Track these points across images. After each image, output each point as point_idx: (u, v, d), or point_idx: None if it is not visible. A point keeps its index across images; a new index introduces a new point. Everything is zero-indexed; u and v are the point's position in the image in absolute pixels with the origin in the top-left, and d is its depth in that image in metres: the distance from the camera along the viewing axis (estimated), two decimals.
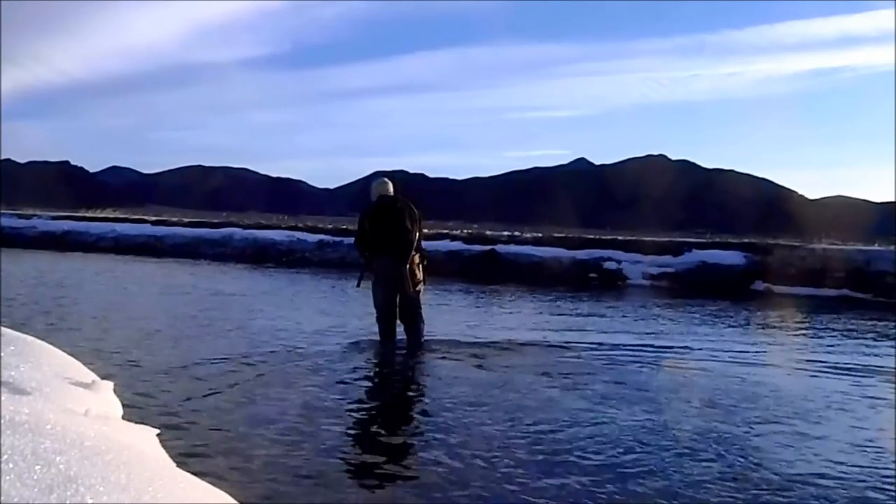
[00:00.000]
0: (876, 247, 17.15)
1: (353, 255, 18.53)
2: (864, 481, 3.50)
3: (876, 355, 7.49)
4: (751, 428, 4.33)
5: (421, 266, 6.72)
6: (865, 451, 3.99)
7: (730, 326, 9.46)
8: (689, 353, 7.05)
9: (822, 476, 3.54)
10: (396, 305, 6.59)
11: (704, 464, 3.64)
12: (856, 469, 3.67)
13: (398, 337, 6.72)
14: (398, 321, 6.68)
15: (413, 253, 6.54)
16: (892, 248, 16.43)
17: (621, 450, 3.82)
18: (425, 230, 6.87)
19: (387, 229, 6.48)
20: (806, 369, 6.45)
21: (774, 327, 9.78)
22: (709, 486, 3.35)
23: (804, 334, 9.17)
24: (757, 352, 7.40)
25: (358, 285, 6.78)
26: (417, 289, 6.67)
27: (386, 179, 6.85)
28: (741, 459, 3.72)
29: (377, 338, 6.73)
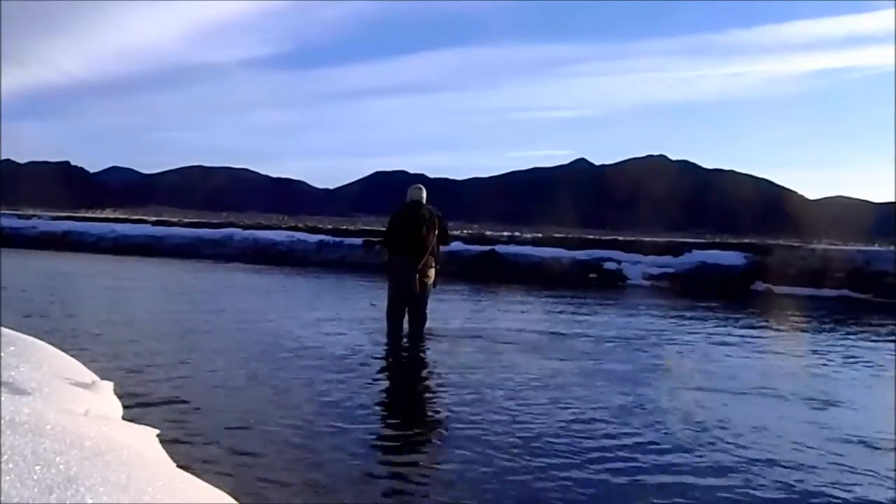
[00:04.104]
0: (876, 247, 17.17)
1: (353, 256, 18.71)
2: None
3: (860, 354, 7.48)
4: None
5: (433, 269, 7.22)
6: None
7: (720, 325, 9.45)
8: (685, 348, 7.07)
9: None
10: (406, 300, 7.13)
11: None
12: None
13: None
14: (407, 314, 7.21)
15: (428, 256, 7.07)
16: (892, 248, 16.44)
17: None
18: None
19: (406, 231, 7.06)
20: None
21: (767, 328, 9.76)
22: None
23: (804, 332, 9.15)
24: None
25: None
26: (427, 288, 7.16)
27: (421, 186, 7.40)
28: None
29: (381, 332, 7.18)
